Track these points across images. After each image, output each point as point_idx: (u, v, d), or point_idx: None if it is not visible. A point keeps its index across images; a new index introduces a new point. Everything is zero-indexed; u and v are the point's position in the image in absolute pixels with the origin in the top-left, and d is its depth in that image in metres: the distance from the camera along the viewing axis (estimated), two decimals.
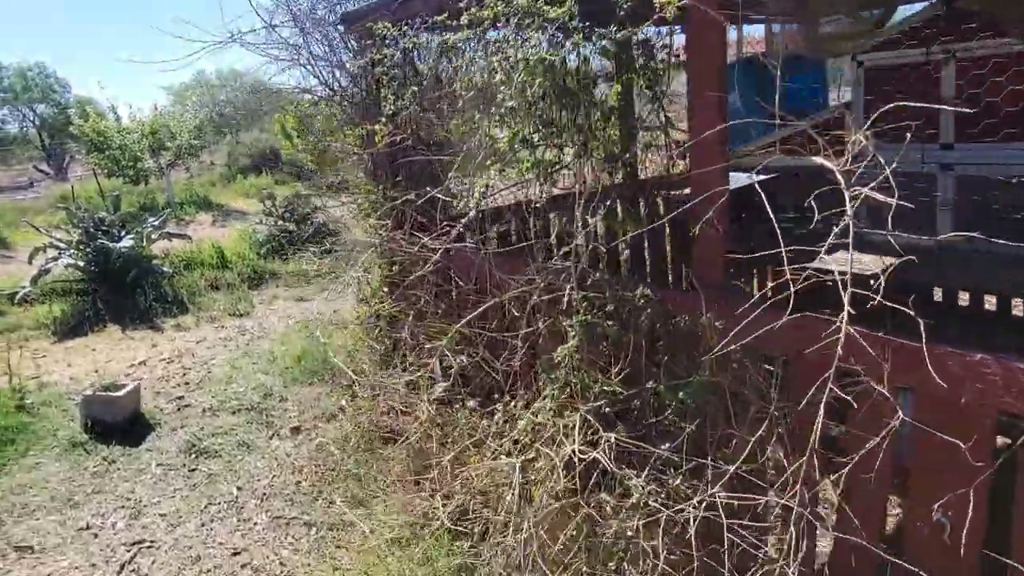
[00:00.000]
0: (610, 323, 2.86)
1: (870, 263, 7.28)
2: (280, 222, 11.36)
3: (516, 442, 2.88)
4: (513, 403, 3.36)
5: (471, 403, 3.89)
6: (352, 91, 5.08)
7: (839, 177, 2.04)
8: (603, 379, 2.77)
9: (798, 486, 2.01)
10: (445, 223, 3.61)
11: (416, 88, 3.79)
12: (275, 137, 24.62)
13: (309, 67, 5.80)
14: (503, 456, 3.03)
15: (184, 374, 6.87)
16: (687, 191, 5.52)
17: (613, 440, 2.46)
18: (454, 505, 2.97)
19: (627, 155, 3.10)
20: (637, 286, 2.85)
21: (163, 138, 19.89)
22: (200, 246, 11.10)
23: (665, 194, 5.00)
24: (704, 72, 2.57)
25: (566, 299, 2.89)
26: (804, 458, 1.97)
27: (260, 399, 6.04)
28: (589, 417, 2.58)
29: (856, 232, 1.97)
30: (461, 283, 3.92)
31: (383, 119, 3.99)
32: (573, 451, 2.45)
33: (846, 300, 1.89)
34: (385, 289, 5.08)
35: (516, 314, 3.33)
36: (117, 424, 5.52)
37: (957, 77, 4.95)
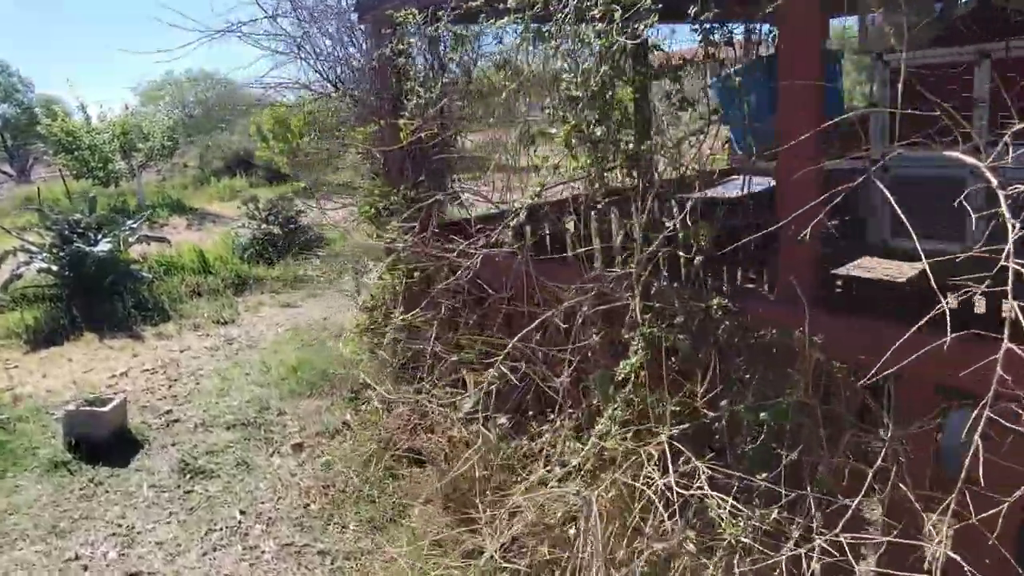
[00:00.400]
0: (681, 336, 2.60)
1: (895, 269, 7.14)
2: (264, 225, 10.93)
3: (578, 468, 2.60)
4: (560, 423, 3.08)
5: (502, 420, 3.60)
6: (362, 85, 4.77)
7: (989, 176, 1.80)
8: (679, 398, 2.50)
9: (945, 525, 1.77)
10: (480, 225, 3.33)
11: (447, 80, 3.50)
12: (251, 139, 24.07)
13: (310, 61, 5.50)
14: (555, 482, 2.75)
15: (170, 386, 6.46)
16: (705, 193, 5.28)
17: (706, 470, 2.19)
18: (505, 537, 2.66)
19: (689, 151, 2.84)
20: (711, 295, 2.59)
21: (134, 139, 19.25)
22: (180, 250, 10.64)
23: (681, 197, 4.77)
24: (797, 62, 2.32)
25: (634, 309, 2.62)
26: (953, 495, 1.72)
27: (256, 413, 5.67)
28: (676, 443, 2.31)
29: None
30: (491, 291, 3.63)
31: (406, 114, 3.68)
32: (668, 484, 2.17)
33: (1012, 316, 1.65)
34: (388, 296, 4.77)
35: (563, 325, 3.05)
36: (102, 441, 5.11)
37: (991, 78, 4.81)
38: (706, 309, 2.59)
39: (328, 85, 5.54)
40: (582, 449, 2.62)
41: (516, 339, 2.96)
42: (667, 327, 2.68)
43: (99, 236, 9.03)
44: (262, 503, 4.40)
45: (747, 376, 2.48)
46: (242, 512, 4.31)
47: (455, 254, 3.24)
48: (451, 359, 3.72)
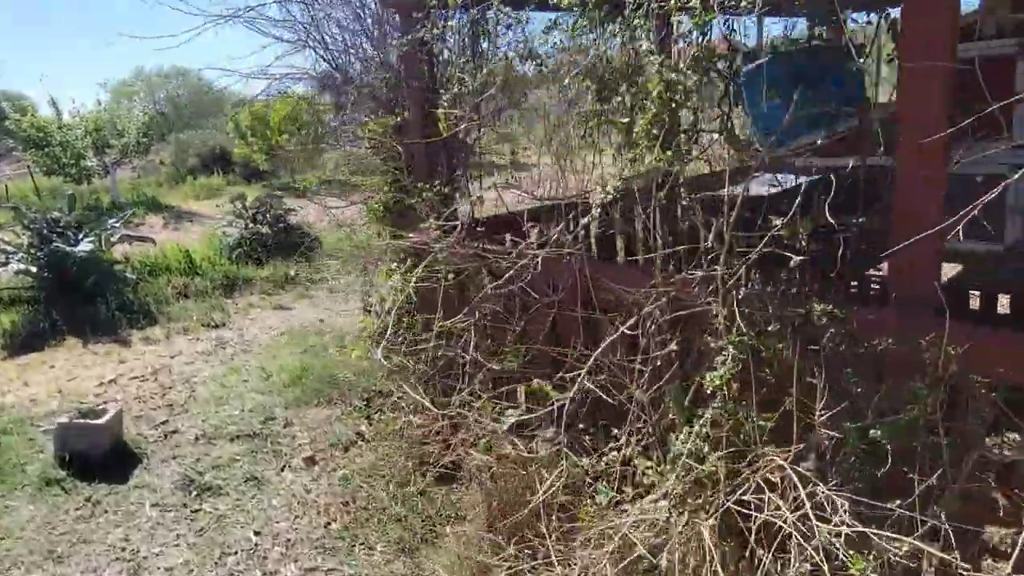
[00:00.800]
0: (780, 345, 2.36)
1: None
2: (252, 224, 10.52)
3: (665, 495, 2.34)
4: (627, 439, 2.83)
5: (549, 433, 3.34)
6: (380, 75, 4.47)
7: None
8: (779, 413, 2.26)
9: None
10: (532, 224, 3.06)
11: (493, 68, 3.22)
12: (227, 136, 23.48)
13: (319, 50, 5.19)
14: (638, 507, 2.50)
15: (164, 394, 6.09)
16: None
17: (844, 501, 1.95)
18: (596, 571, 2.40)
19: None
20: (811, 301, 2.36)
21: (108, 135, 18.62)
22: (165, 250, 10.20)
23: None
24: (927, 42, 2.09)
25: (725, 315, 2.37)
26: None
27: (260, 423, 5.33)
28: (803, 470, 2.06)
29: None
30: (535, 295, 3.36)
31: (444, 103, 3.40)
32: (804, 515, 1.93)
33: None
34: (404, 299, 4.48)
35: (631, 333, 2.80)
36: (97, 456, 4.74)
37: None
38: (806, 315, 2.35)
39: (337, 75, 5.23)
40: (670, 470, 2.37)
41: (596, 352, 2.69)
42: (758, 335, 2.44)
43: (80, 235, 8.59)
44: (278, 522, 4.09)
45: (858, 390, 2.25)
46: (257, 533, 3.99)
47: (515, 253, 2.97)
48: (492, 367, 3.45)
